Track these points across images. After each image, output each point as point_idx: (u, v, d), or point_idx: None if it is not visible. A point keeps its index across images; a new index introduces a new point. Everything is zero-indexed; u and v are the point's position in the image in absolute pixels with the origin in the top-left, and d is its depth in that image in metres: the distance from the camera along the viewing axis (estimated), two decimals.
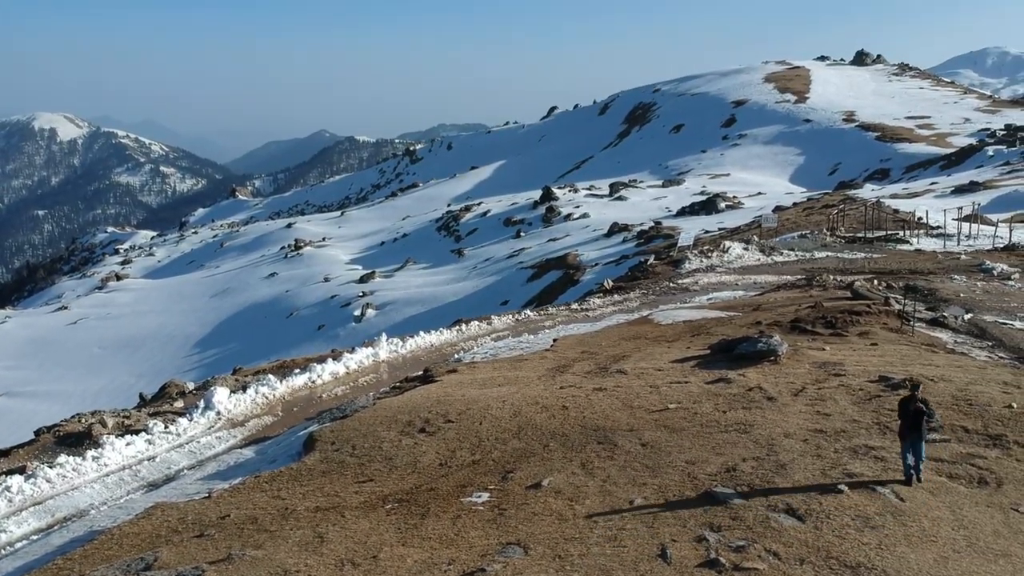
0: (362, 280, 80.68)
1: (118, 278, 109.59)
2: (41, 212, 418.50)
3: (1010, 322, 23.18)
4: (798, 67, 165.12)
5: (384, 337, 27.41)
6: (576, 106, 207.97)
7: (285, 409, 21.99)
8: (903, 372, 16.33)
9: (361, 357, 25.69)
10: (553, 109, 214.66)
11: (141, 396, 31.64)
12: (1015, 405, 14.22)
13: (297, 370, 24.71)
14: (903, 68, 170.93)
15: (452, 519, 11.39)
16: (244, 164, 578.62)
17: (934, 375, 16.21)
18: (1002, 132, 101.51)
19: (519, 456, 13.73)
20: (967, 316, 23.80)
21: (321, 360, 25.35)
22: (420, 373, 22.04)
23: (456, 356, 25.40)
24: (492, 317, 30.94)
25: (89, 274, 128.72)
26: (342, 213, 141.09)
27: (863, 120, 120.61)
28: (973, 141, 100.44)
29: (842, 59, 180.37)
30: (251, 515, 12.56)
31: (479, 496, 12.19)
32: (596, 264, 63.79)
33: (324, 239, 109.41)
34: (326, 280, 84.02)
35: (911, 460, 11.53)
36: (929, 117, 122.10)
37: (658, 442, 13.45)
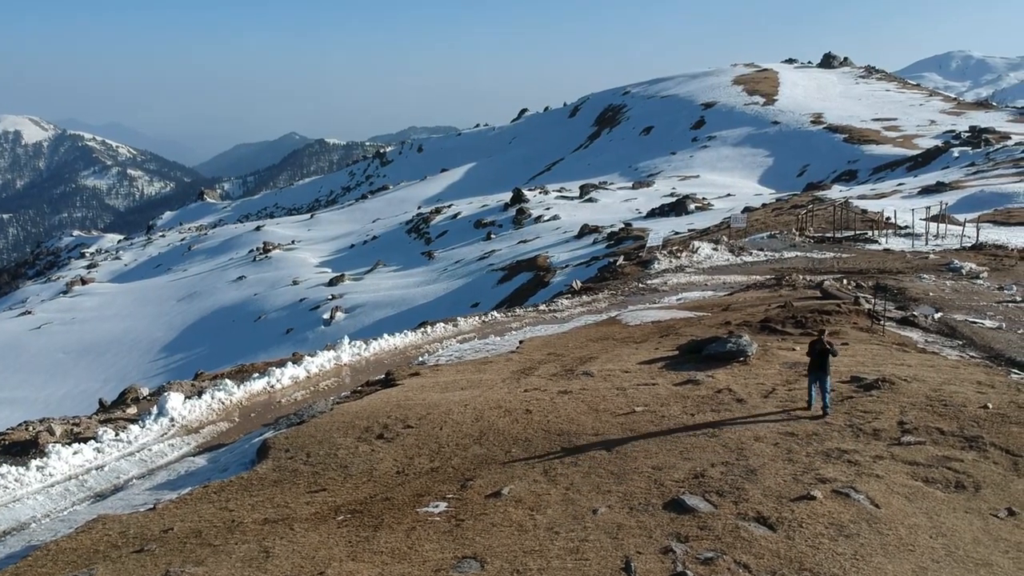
0: (331, 283, 79.76)
1: (83, 282, 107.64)
2: (6, 216, 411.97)
3: (980, 321, 22.90)
4: (766, 69, 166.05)
5: (347, 340, 26.72)
6: (546, 108, 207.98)
7: (242, 415, 21.28)
8: (875, 372, 15.93)
9: (323, 361, 24.99)
10: (523, 111, 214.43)
11: (101, 402, 30.68)
12: (991, 405, 13.82)
13: (256, 374, 23.97)
14: (870, 71, 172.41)
15: (406, 531, 10.77)
16: (213, 167, 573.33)
17: (907, 375, 15.81)
18: (967, 134, 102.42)
19: (480, 463, 13.14)
20: (937, 315, 23.52)
21: (281, 364, 24.65)
22: (382, 377, 21.41)
23: (420, 359, 24.75)
24: (458, 319, 30.32)
25: (54, 278, 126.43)
26: (311, 216, 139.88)
27: (831, 122, 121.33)
28: (939, 143, 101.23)
29: (810, 62, 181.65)
30: (196, 528, 11.88)
31: (436, 506, 11.59)
32: (567, 266, 63.38)
33: (293, 242, 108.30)
34: (295, 283, 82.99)
35: (815, 393, 14.13)
36: (896, 119, 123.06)
37: (624, 447, 12.91)
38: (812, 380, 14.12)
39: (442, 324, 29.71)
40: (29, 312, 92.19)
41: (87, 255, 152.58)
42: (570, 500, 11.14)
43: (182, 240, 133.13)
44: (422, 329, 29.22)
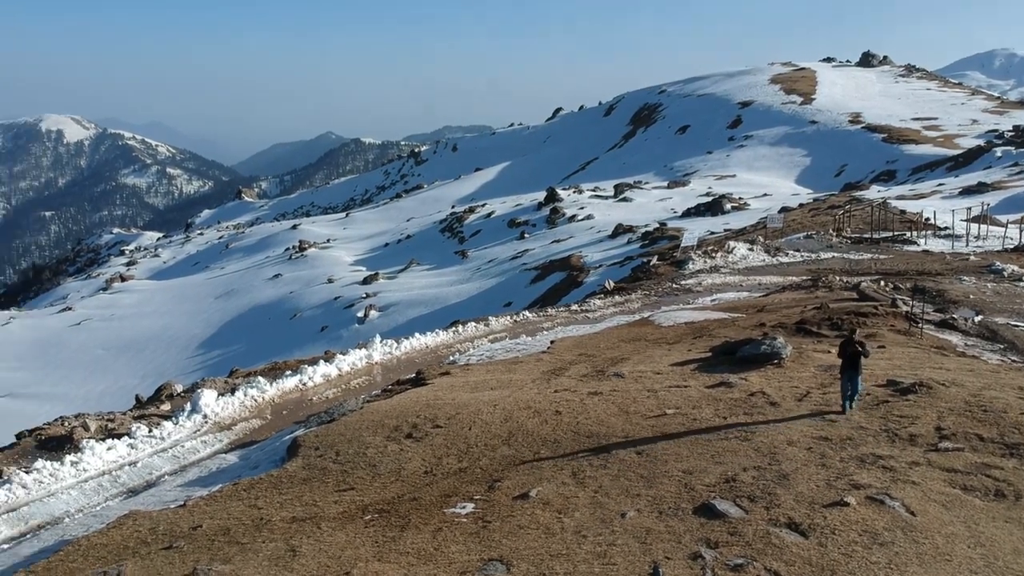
0: (365, 281, 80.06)
1: (123, 279, 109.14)
2: (48, 213, 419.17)
3: (1022, 324, 22.43)
4: (804, 68, 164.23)
5: (378, 339, 26.77)
6: (581, 107, 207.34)
7: (274, 412, 21.38)
8: (912, 376, 15.61)
9: (354, 359, 25.05)
10: (558, 111, 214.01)
11: (137, 398, 31.01)
12: None
13: (288, 372, 24.09)
14: (910, 69, 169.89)
15: (433, 532, 10.71)
16: (250, 166, 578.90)
17: (945, 379, 15.48)
18: (1010, 133, 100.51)
19: (508, 464, 13.06)
20: (977, 318, 23.05)
21: (313, 362, 24.73)
22: (412, 376, 21.41)
23: (451, 358, 24.73)
24: (489, 318, 30.25)
25: (94, 275, 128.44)
26: (347, 215, 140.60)
27: (869, 121, 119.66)
28: (981, 142, 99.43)
29: (848, 60, 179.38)
30: (224, 526, 11.91)
31: (463, 507, 11.52)
32: (600, 265, 63.09)
33: (328, 240, 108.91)
34: (330, 281, 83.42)
35: (849, 392, 13.94)
36: (936, 118, 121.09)
37: (654, 450, 12.75)
38: (845, 381, 14.03)
39: (473, 323, 29.67)
40: (69, 308, 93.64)
41: (127, 252, 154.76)
42: (598, 503, 11.01)
43: (220, 238, 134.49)
44: (453, 328, 29.20)
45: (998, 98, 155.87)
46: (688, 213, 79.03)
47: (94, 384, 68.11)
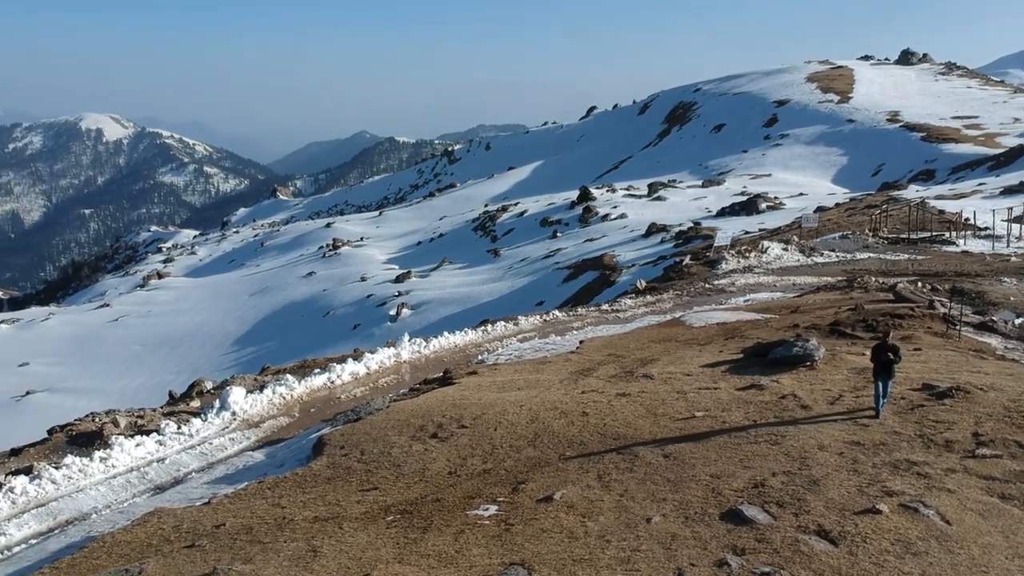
0: (398, 280, 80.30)
1: (160, 276, 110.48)
2: (87, 211, 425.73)
3: None
4: (841, 67, 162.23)
5: (407, 337, 26.71)
6: (615, 106, 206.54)
7: (302, 410, 21.39)
8: (949, 380, 15.22)
9: (382, 358, 25.02)
10: (592, 109, 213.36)
11: (170, 394, 31.24)
12: None
13: (317, 370, 24.11)
14: (950, 67, 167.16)
15: (455, 534, 10.56)
16: (286, 164, 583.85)
17: (983, 383, 15.06)
18: None
19: (533, 466, 12.89)
20: (1018, 321, 22.52)
21: (342, 360, 24.72)
22: (440, 375, 21.31)
23: (480, 357, 24.61)
24: (519, 317, 30.10)
25: (132, 272, 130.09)
26: (380, 213, 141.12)
27: (908, 120, 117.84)
28: (1023, 141, 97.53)
29: (887, 58, 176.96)
30: (247, 524, 11.86)
31: (486, 509, 11.36)
32: (633, 265, 62.69)
33: (362, 239, 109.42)
34: (362, 280, 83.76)
35: (882, 395, 13.74)
36: (977, 117, 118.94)
37: (682, 453, 12.51)
38: (877, 385, 13.85)
39: (503, 323, 29.53)
40: (107, 305, 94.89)
41: (164, 250, 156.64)
42: (623, 507, 10.80)
43: (255, 236, 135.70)
44: (483, 327, 29.09)
45: None
46: (723, 212, 78.35)
47: (130, 379, 68.89)
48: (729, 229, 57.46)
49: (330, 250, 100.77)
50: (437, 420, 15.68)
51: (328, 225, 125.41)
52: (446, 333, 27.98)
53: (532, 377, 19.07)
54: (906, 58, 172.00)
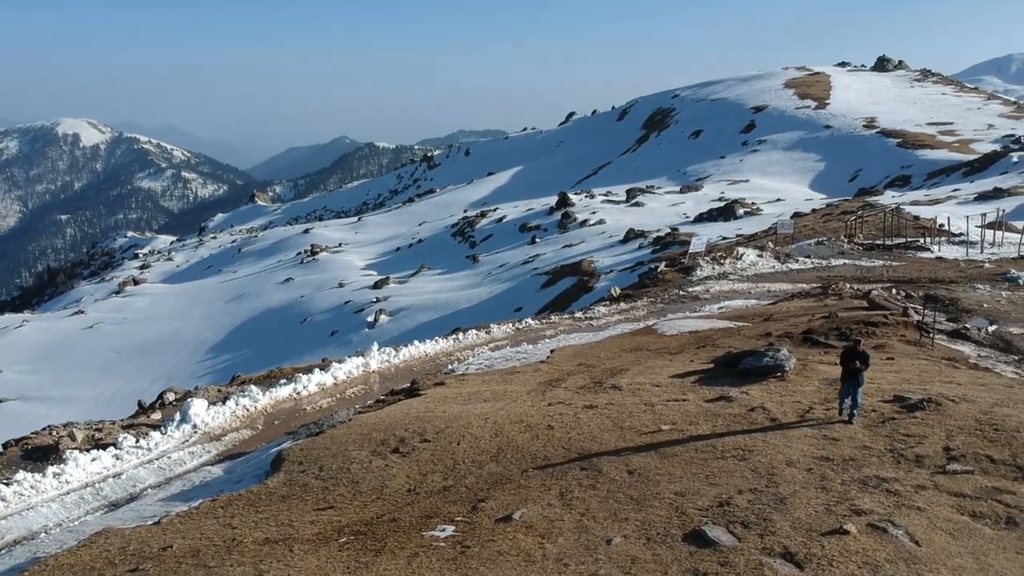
0: (376, 286, 79.83)
1: (136, 283, 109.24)
2: (64, 217, 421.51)
3: None
4: (818, 73, 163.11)
5: (375, 347, 26.25)
6: (594, 112, 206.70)
7: (266, 422, 20.90)
8: (921, 391, 14.93)
9: (350, 367, 24.54)
10: (571, 115, 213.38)
11: (140, 403, 30.58)
12: None
13: (283, 380, 23.61)
14: (925, 74, 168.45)
15: (408, 558, 10.13)
16: (265, 170, 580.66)
17: (956, 395, 14.78)
18: None
19: (494, 482, 12.48)
20: (991, 328, 22.33)
21: (308, 371, 24.22)
22: (407, 386, 20.86)
23: (450, 366, 24.18)
24: (491, 326, 29.69)
25: (108, 279, 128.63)
26: (359, 219, 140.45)
27: (884, 126, 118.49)
28: (997, 147, 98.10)
29: (863, 65, 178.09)
30: (195, 547, 11.38)
31: (443, 529, 10.94)
32: (611, 271, 62.57)
33: (340, 245, 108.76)
34: (340, 286, 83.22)
35: (848, 403, 13.76)
36: (952, 123, 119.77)
37: (647, 469, 12.13)
38: (844, 393, 13.86)
39: (474, 331, 29.12)
40: (82, 312, 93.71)
41: (140, 256, 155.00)
42: (584, 528, 10.41)
43: (233, 242, 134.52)
44: (454, 336, 28.67)
45: (1015, 103, 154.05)
46: (701, 218, 78.48)
47: (104, 387, 67.93)
48: (706, 235, 57.26)
49: (308, 256, 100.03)
50: (399, 434, 15.26)
51: (306, 231, 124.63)
52: (416, 342, 27.53)
53: (500, 388, 18.67)
54: (882, 65, 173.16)
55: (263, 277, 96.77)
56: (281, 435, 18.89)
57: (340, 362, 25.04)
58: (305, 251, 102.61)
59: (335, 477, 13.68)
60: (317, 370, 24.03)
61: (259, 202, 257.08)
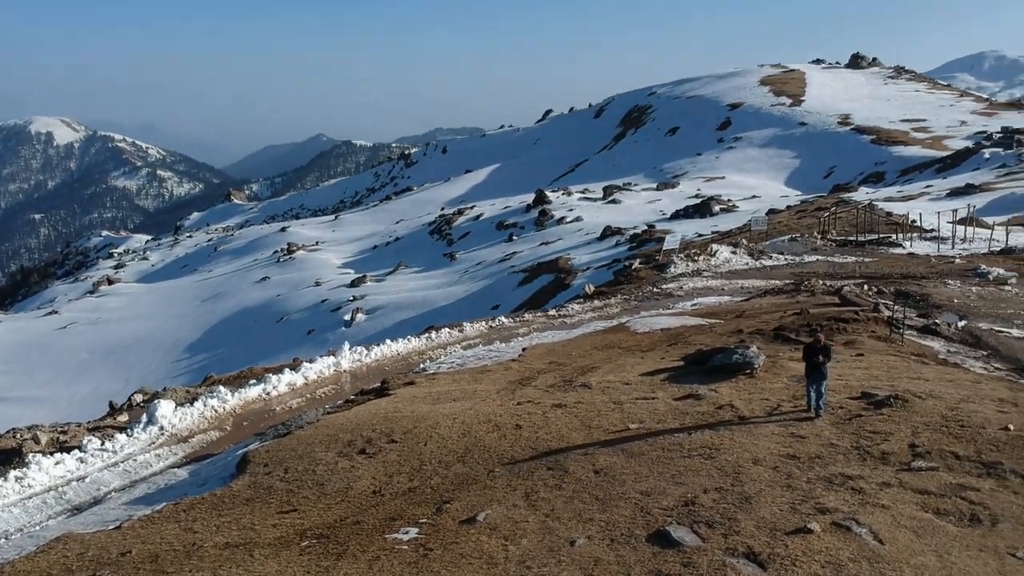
0: (353, 284, 79.60)
1: (110, 282, 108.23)
2: (37, 216, 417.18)
3: (1007, 330, 21.81)
4: (793, 70, 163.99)
5: (347, 346, 26.07)
6: (571, 109, 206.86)
7: (235, 423, 20.68)
8: (888, 387, 14.93)
9: (321, 367, 24.35)
10: (548, 112, 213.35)
11: (111, 404, 30.21)
12: (1012, 427, 12.74)
13: (253, 381, 23.38)
14: (899, 71, 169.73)
15: (370, 561, 9.98)
16: (242, 168, 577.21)
17: (923, 391, 14.80)
18: (999, 135, 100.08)
19: (460, 483, 12.35)
20: (961, 323, 22.44)
21: (278, 371, 24.00)
22: (377, 385, 20.71)
23: (422, 365, 24.03)
24: (464, 324, 29.58)
25: (82, 278, 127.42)
26: (336, 217, 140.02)
27: (858, 123, 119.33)
28: (970, 144, 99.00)
29: (837, 62, 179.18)
30: (154, 552, 11.17)
31: (406, 532, 10.80)
32: (588, 268, 62.67)
33: (317, 243, 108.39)
34: (317, 284, 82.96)
35: (814, 397, 13.87)
36: (925, 120, 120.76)
37: (613, 468, 12.04)
38: (810, 386, 13.99)
39: (447, 329, 28.99)
40: (56, 312, 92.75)
41: (115, 255, 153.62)
42: (548, 529, 10.30)
43: (208, 241, 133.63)
44: (427, 335, 28.53)
45: (987, 100, 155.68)
46: (677, 215, 78.71)
47: (79, 388, 67.27)
48: (681, 232, 57.50)
49: (285, 255, 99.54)
50: (367, 435, 15.10)
51: (283, 229, 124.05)
52: (388, 341, 27.39)
53: (470, 387, 18.54)
54: (856, 62, 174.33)
55: (239, 276, 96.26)
56: (249, 436, 18.66)
57: (311, 362, 24.85)
58: (282, 249, 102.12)
59: (300, 479, 13.51)
60: (288, 370, 23.83)
61: (236, 200, 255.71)
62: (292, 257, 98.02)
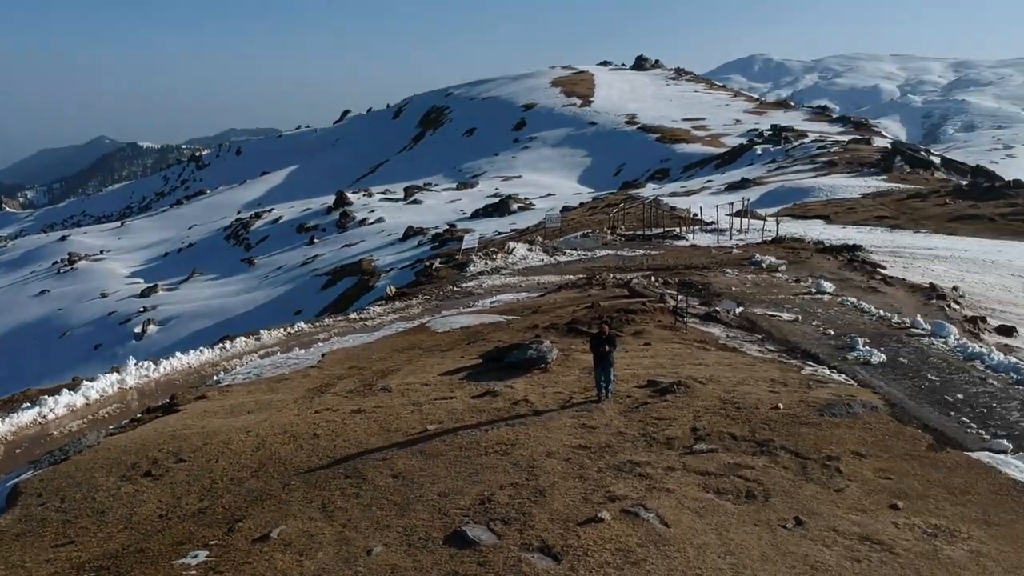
0: (143, 294, 75.96)
1: None
2: None
3: (778, 314, 23.47)
4: (583, 72, 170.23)
5: (132, 361, 24.64)
6: (370, 110, 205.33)
7: (7, 452, 19.07)
8: (672, 374, 15.72)
9: (104, 385, 22.87)
10: (346, 113, 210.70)
11: None
12: (782, 405, 13.74)
13: (26, 404, 21.61)
14: (679, 73, 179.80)
15: None
16: (13, 174, 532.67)
17: (703, 376, 15.68)
18: (769, 132, 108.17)
19: (254, 500, 11.90)
20: (738, 309, 23.94)
21: (56, 391, 22.33)
22: (166, 402, 19.66)
23: (215, 378, 23.04)
24: (261, 332, 28.67)
25: None
26: (122, 223, 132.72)
27: (644, 122, 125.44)
28: (744, 141, 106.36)
29: (623, 64, 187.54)
30: None
31: (195, 556, 10.28)
32: (391, 269, 62.62)
33: (102, 252, 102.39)
34: (103, 296, 78.65)
35: (603, 385, 14.57)
36: (704, 119, 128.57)
37: (411, 472, 11.98)
38: (599, 373, 14.60)
39: (243, 338, 27.99)
40: None
41: None
42: (345, 540, 10.10)
43: None
44: (220, 345, 27.41)
45: (758, 100, 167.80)
46: (477, 214, 79.94)
47: None
48: (480, 231, 58.44)
49: (66, 265, 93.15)
50: (153, 455, 14.28)
51: (63, 238, 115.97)
52: (179, 354, 26.10)
53: (266, 398, 17.95)
54: (640, 64, 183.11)
55: (14, 290, 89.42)
56: (23, 465, 17.22)
57: (92, 380, 23.27)
58: (62, 260, 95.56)
59: (78, 508, 12.59)
60: (66, 391, 22.21)
61: (8, 209, 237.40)
62: (74, 268, 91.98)
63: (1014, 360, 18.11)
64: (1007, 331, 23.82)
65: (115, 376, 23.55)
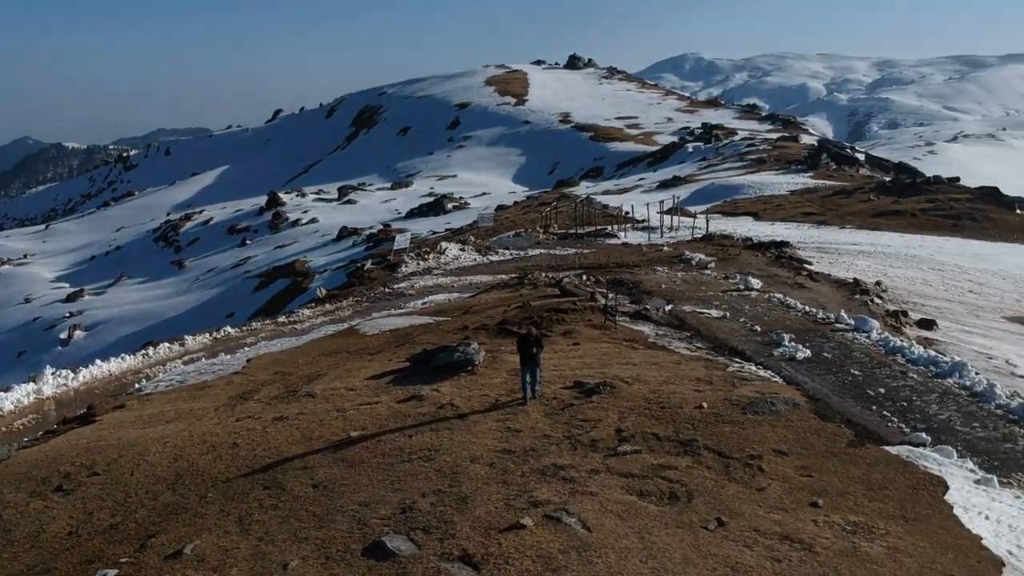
0: (69, 299, 74.23)
1: None
2: None
3: (707, 311, 23.65)
4: (516, 71, 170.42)
5: (49, 370, 23.83)
6: (302, 109, 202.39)
7: None
8: (599, 375, 15.68)
9: (19, 396, 22.03)
10: (278, 112, 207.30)
11: None
12: (706, 405, 13.78)
13: None
14: (612, 72, 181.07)
15: None
16: None
17: (630, 375, 15.66)
18: (699, 130, 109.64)
19: (169, 514, 11.53)
20: (668, 307, 24.04)
21: None
22: (83, 412, 19.02)
23: (137, 386, 22.41)
24: (185, 338, 27.98)
25: None
26: (47, 227, 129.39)
27: (578, 121, 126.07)
28: (675, 139, 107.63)
29: (557, 63, 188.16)
30: None
31: (104, 575, 9.91)
32: (325, 270, 61.99)
33: (25, 256, 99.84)
34: (27, 301, 76.75)
35: (529, 386, 14.54)
36: (637, 117, 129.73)
37: (332, 481, 11.71)
38: (524, 375, 14.61)
39: (167, 344, 27.28)
40: None
41: None
42: (261, 554, 9.81)
43: None
44: (143, 351, 26.67)
45: (689, 98, 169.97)
46: (412, 214, 79.57)
47: None
48: (415, 230, 58.13)
49: None
50: (65, 469, 13.79)
51: None
52: (99, 361, 25.31)
53: (186, 406, 17.48)
54: (573, 63, 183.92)
55: None
56: None
57: (7, 391, 22.41)
58: None
59: None
60: None
61: None
62: None
63: (933, 353, 18.54)
64: (927, 324, 24.39)
65: (31, 386, 22.73)
